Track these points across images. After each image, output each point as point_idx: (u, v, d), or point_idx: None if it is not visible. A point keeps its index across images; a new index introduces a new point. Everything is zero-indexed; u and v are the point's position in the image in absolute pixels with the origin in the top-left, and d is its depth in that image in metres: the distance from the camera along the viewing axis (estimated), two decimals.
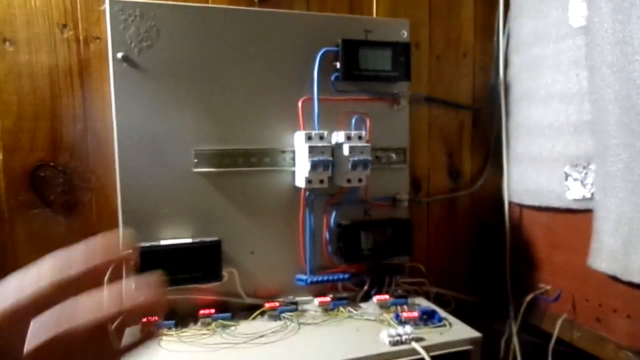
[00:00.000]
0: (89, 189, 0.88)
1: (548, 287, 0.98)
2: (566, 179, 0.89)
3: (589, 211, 0.85)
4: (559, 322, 0.93)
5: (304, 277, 0.93)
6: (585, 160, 0.86)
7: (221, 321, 0.83)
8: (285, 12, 0.92)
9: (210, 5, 0.91)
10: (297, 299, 0.93)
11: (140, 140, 0.83)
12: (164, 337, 0.78)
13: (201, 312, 0.83)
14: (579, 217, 0.89)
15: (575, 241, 0.91)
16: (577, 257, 0.90)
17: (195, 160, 0.87)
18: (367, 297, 0.95)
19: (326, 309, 0.89)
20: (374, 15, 1.03)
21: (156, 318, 0.31)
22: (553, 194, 0.93)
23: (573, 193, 0.88)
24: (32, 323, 0.27)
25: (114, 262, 0.30)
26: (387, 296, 0.92)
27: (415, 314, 0.83)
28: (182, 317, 0.84)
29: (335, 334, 0.81)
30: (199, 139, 0.87)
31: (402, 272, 1.00)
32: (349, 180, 0.90)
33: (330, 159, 0.88)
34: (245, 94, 0.89)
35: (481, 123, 1.13)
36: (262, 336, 0.79)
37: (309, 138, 0.87)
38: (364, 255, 0.95)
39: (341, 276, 0.95)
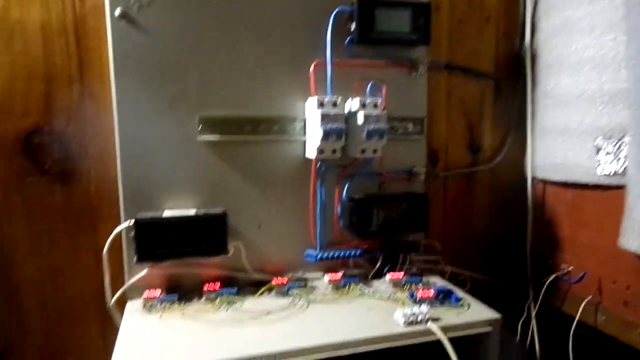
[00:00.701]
0: (86, 157, 0.83)
1: (571, 268, 0.93)
2: (597, 153, 0.83)
3: (620, 187, 0.80)
4: (582, 305, 0.88)
5: (313, 252, 0.89)
6: (619, 133, 0.80)
7: (226, 296, 0.79)
8: None
9: None
10: (306, 275, 0.89)
11: (141, 105, 0.78)
12: (166, 312, 0.75)
13: (206, 286, 0.80)
14: (609, 193, 0.83)
15: (603, 220, 0.86)
16: (605, 236, 0.85)
17: (200, 127, 0.82)
18: (379, 275, 0.91)
19: (337, 286, 0.85)
20: None
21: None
22: (581, 169, 0.87)
23: (604, 168, 0.82)
24: None
25: None
26: (400, 274, 0.88)
27: (431, 292, 0.79)
28: (185, 291, 0.81)
29: (346, 312, 0.77)
30: (204, 105, 0.82)
31: (417, 249, 0.95)
32: (363, 151, 0.85)
33: (344, 127, 0.82)
34: (253, 57, 0.83)
35: (504, 93, 1.06)
36: (269, 313, 0.75)
37: (321, 105, 0.82)
38: (377, 230, 0.90)
39: (353, 252, 0.90)
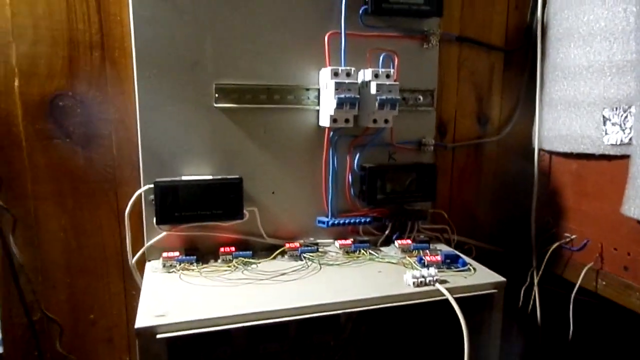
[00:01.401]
0: (108, 121, 0.85)
1: (573, 237, 0.96)
2: (604, 123, 0.85)
3: (624, 157, 0.82)
4: (584, 271, 0.91)
5: (325, 219, 0.92)
6: (626, 103, 0.81)
7: (242, 258, 0.82)
8: None
9: None
10: (318, 240, 0.92)
11: (159, 72, 0.80)
12: (185, 272, 0.78)
13: (222, 249, 0.83)
14: (613, 163, 0.86)
15: (606, 189, 0.88)
16: (607, 205, 0.87)
17: (217, 95, 0.83)
18: (387, 242, 0.94)
19: (347, 251, 0.88)
20: None
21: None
22: (587, 139, 0.89)
23: (611, 137, 0.84)
24: None
25: None
26: (409, 241, 0.91)
27: (439, 257, 0.82)
28: (202, 253, 0.84)
29: (358, 274, 0.80)
30: (220, 73, 0.83)
31: (424, 217, 0.98)
32: (375, 121, 0.87)
33: (357, 96, 0.84)
34: (269, 26, 0.85)
35: (513, 66, 1.08)
36: (283, 274, 0.79)
37: (335, 74, 0.84)
38: (387, 199, 0.93)
39: (363, 219, 0.93)
